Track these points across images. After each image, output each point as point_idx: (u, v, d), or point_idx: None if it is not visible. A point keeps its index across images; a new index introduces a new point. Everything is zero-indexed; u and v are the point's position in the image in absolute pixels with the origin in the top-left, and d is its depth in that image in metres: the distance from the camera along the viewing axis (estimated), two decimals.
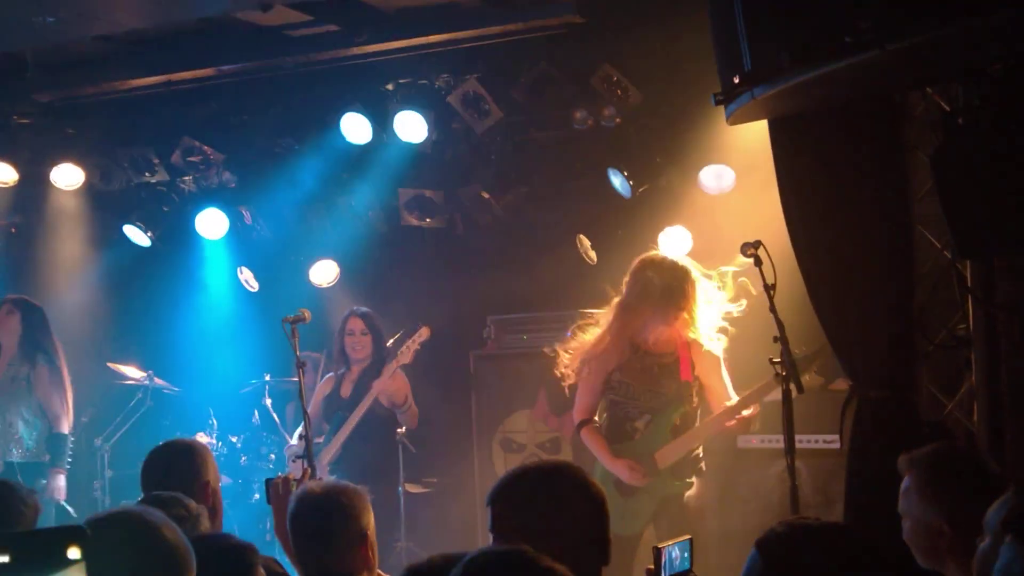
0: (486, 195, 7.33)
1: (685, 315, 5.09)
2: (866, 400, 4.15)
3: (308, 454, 4.91)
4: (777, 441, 6.19)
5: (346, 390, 6.57)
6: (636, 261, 5.25)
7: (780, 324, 4.45)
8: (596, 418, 5.36)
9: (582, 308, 6.02)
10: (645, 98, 6.54)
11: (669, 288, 5.07)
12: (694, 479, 5.23)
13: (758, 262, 4.55)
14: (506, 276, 7.50)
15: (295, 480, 3.77)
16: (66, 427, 6.56)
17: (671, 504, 5.17)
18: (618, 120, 6.71)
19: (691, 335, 5.13)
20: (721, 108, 6.33)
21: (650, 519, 5.20)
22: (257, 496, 6.71)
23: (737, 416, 5.09)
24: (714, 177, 6.60)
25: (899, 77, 3.33)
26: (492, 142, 7.18)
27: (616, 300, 5.28)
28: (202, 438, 6.84)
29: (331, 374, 6.73)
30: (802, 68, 2.90)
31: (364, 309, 6.71)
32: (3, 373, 6.57)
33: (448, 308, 7.61)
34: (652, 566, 2.78)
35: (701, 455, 5.29)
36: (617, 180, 6.77)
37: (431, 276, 7.66)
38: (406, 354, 6.47)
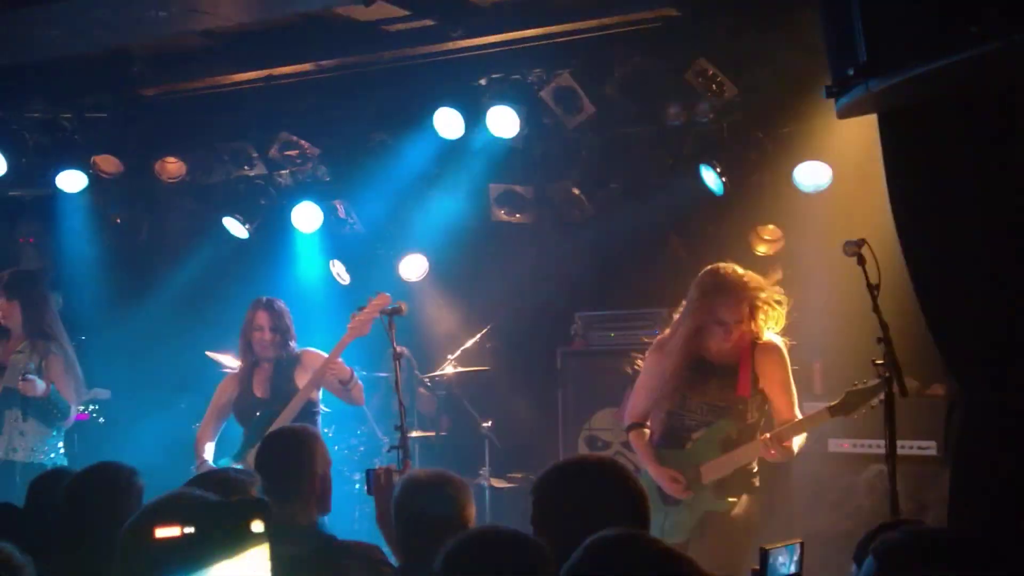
0: (576, 191, 7.33)
1: (744, 326, 4.94)
2: (975, 404, 4.03)
3: (403, 444, 4.94)
4: (869, 446, 6.10)
5: (261, 389, 6.06)
6: (702, 272, 5.14)
7: (884, 325, 4.36)
8: (648, 423, 5.23)
9: (671, 307, 5.97)
10: (740, 93, 6.46)
11: (725, 297, 4.94)
12: (742, 497, 5.03)
13: (861, 261, 4.47)
14: (595, 273, 7.50)
15: (396, 471, 3.80)
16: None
17: (714, 520, 5.00)
18: (712, 116, 6.64)
19: (754, 340, 4.99)
20: (819, 102, 6.22)
21: (691, 532, 5.04)
22: (357, 486, 6.78)
23: (778, 445, 4.87)
24: (810, 174, 6.51)
25: (1022, 68, 3.23)
26: (583, 138, 7.16)
27: (680, 307, 5.19)
28: None
29: (232, 372, 6.34)
30: (923, 60, 2.82)
31: (270, 300, 6.13)
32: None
33: (536, 304, 7.63)
34: (757, 567, 2.75)
35: (755, 470, 5.10)
36: (709, 176, 6.70)
37: (519, 272, 7.67)
38: (361, 326, 5.74)
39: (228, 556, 1.69)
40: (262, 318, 6.03)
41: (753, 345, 5.00)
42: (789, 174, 6.52)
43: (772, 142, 6.59)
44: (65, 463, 6.19)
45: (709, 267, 5.10)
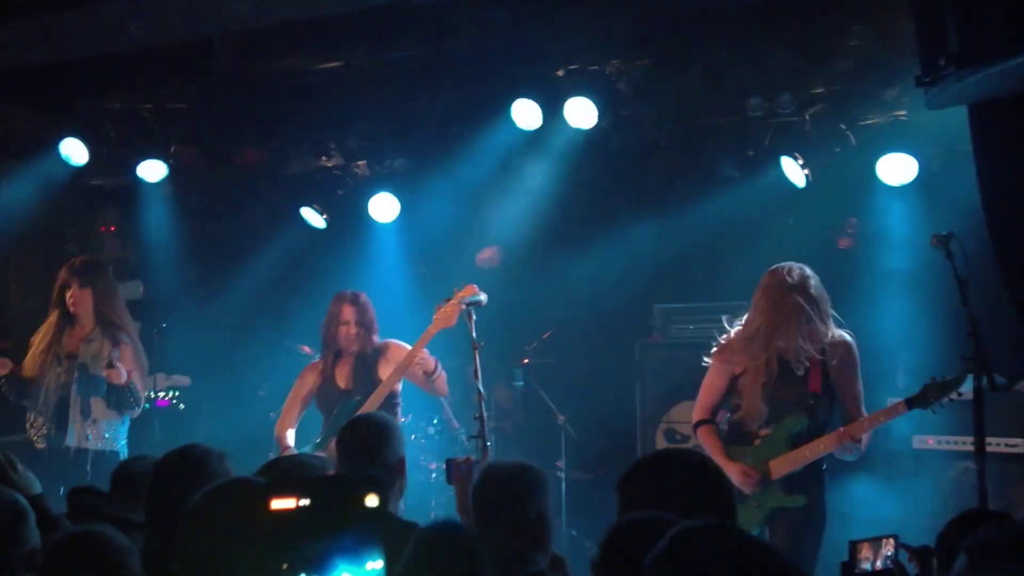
0: (655, 183, 7.27)
1: (809, 323, 4.88)
2: None
3: (482, 433, 4.96)
4: (954, 443, 5.97)
5: (344, 380, 6.05)
6: (766, 273, 5.07)
7: (973, 319, 4.28)
8: (716, 419, 5.20)
9: (750, 299, 5.91)
10: (823, 84, 6.35)
11: (785, 296, 4.89)
12: (812, 492, 4.96)
13: (949, 255, 4.39)
14: (673, 265, 7.43)
15: (475, 461, 3.82)
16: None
17: (782, 518, 4.95)
18: (794, 107, 6.53)
19: (822, 341, 4.92)
20: (904, 93, 6.10)
21: (760, 528, 4.99)
22: (434, 475, 6.82)
23: (847, 440, 4.82)
24: (894, 167, 6.39)
25: None
26: (662, 129, 7.09)
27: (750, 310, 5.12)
28: None
29: (312, 363, 6.30)
30: (1019, 51, 2.74)
31: (355, 294, 6.11)
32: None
33: (614, 296, 7.59)
34: (847, 560, 2.72)
35: (825, 467, 5.04)
36: (791, 168, 6.61)
37: (597, 264, 7.63)
38: (447, 317, 5.62)
39: (341, 530, 1.67)
40: (347, 312, 6.02)
41: (824, 341, 4.94)
42: (873, 166, 6.39)
43: (856, 133, 6.47)
44: (126, 452, 6.19)
45: (773, 269, 5.03)
